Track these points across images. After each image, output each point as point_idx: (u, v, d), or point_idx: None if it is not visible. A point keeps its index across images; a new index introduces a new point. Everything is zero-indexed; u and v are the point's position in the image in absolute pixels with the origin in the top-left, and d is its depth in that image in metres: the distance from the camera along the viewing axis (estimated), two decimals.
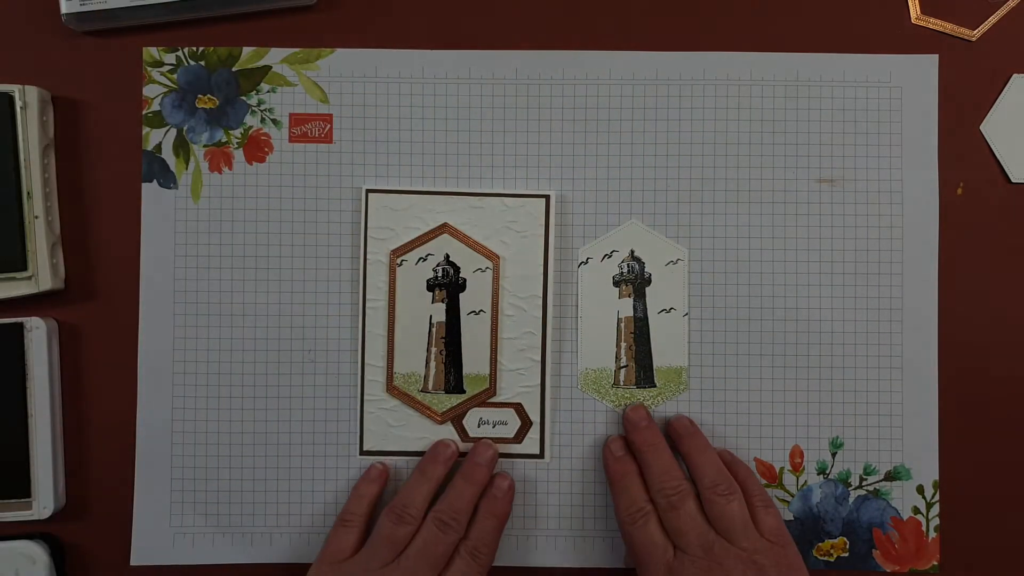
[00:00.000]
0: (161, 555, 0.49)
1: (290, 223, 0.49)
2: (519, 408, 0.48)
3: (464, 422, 0.48)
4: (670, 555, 0.43)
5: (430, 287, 0.48)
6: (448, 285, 0.48)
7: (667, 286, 0.49)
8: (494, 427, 0.48)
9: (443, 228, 0.48)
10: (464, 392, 0.48)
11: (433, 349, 0.48)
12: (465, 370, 0.48)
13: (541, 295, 0.48)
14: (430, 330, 0.48)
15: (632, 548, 0.45)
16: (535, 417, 0.48)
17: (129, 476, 0.49)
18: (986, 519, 0.49)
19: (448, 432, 0.48)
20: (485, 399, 0.48)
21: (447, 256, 0.48)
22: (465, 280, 0.48)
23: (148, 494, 0.49)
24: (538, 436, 0.48)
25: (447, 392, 0.48)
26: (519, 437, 0.48)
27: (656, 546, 0.44)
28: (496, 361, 0.48)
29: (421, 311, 0.48)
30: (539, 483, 0.49)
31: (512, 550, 0.49)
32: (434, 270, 0.48)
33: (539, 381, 0.48)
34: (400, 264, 0.48)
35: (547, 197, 0.48)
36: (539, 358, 0.48)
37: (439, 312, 0.48)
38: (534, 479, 0.49)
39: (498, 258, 0.48)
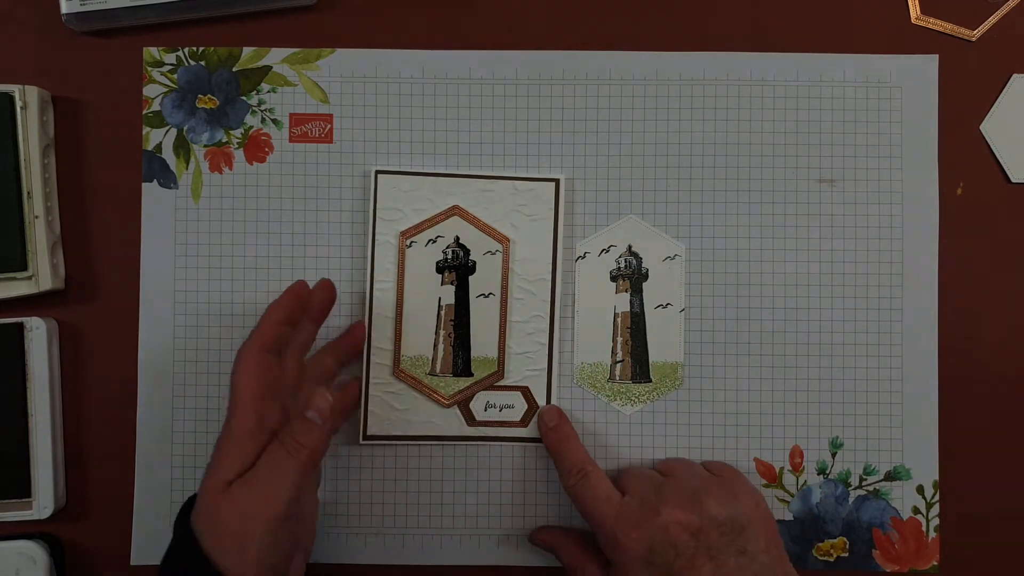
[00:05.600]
0: (161, 555, 0.49)
1: (290, 223, 0.49)
2: (526, 392, 0.48)
3: (471, 405, 0.48)
4: (617, 500, 0.43)
5: (439, 269, 0.48)
6: (458, 267, 0.48)
7: (664, 282, 0.49)
8: (500, 411, 0.48)
9: (453, 210, 0.48)
10: (472, 375, 0.48)
11: (442, 332, 0.48)
12: (473, 353, 0.48)
13: (550, 279, 0.48)
14: (439, 313, 0.48)
15: (581, 504, 0.44)
16: (541, 401, 0.48)
17: (129, 476, 0.49)
18: (986, 519, 0.49)
19: (455, 415, 0.48)
20: (492, 382, 0.48)
21: (457, 238, 0.48)
22: (475, 262, 0.48)
23: (148, 494, 0.49)
24: None
25: (455, 375, 0.48)
26: (525, 421, 0.48)
27: (602, 494, 0.43)
28: (504, 344, 0.48)
29: (430, 293, 0.48)
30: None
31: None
32: (444, 252, 0.48)
33: (546, 365, 0.48)
34: (409, 246, 0.48)
35: (557, 181, 0.48)
36: (546, 342, 0.48)
37: (448, 294, 0.48)
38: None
39: (508, 241, 0.48)
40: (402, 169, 0.49)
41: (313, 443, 0.39)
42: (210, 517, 0.38)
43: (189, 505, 0.40)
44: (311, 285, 0.45)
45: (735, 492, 0.43)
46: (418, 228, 0.48)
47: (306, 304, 0.44)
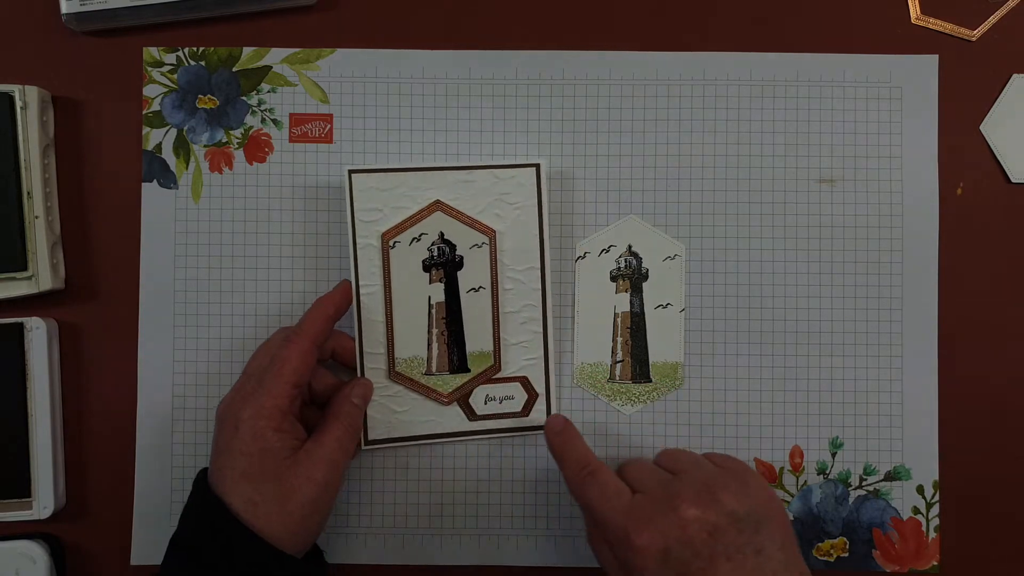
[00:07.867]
0: (161, 555, 0.49)
1: (290, 223, 0.49)
2: (524, 381, 0.48)
3: (471, 400, 0.48)
4: (627, 497, 0.40)
5: (426, 267, 0.47)
6: (445, 264, 0.47)
7: (664, 282, 0.49)
8: (501, 403, 0.48)
9: (435, 206, 0.47)
10: (469, 371, 0.48)
11: (435, 331, 0.48)
12: (468, 348, 0.48)
13: (539, 267, 0.48)
14: (430, 312, 0.48)
15: (588, 504, 0.41)
16: (540, 389, 0.48)
17: (129, 476, 0.49)
18: (986, 519, 0.49)
19: (455, 412, 0.48)
20: (490, 375, 0.48)
21: (442, 234, 0.47)
22: (462, 257, 0.47)
23: (148, 494, 0.49)
24: (544, 407, 0.48)
25: (451, 372, 0.48)
26: (526, 410, 0.48)
27: (611, 490, 0.41)
28: (499, 337, 0.48)
29: (419, 293, 0.47)
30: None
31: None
32: (429, 249, 0.47)
33: (542, 353, 0.48)
34: (393, 247, 0.47)
35: (537, 166, 0.47)
36: (540, 330, 0.48)
37: (437, 292, 0.48)
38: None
39: (493, 232, 0.47)
40: (378, 166, 0.48)
41: (359, 423, 0.45)
42: (253, 484, 0.41)
43: (203, 475, 0.43)
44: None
45: (748, 485, 0.41)
46: (400, 228, 0.47)
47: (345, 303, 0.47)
